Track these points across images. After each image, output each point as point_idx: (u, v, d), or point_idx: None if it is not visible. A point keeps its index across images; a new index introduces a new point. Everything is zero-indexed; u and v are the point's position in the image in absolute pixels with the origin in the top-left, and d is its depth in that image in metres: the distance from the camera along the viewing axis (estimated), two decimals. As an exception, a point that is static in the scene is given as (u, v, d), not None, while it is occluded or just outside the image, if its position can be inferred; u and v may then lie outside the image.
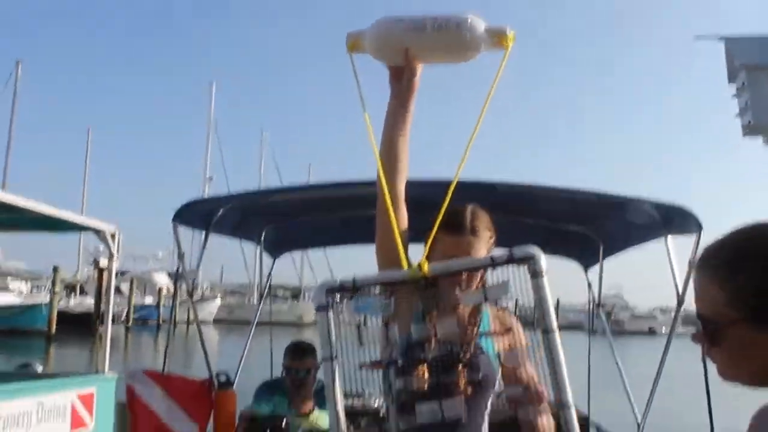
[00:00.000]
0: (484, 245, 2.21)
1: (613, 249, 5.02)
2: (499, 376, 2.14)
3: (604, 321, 5.54)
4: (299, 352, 4.18)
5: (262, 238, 5.21)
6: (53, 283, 34.49)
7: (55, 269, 34.80)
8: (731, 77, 7.06)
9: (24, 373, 8.31)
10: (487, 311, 2.24)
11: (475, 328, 2.15)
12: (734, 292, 1.17)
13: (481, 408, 2.11)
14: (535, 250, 1.71)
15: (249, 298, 59.33)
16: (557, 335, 1.68)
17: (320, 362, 1.81)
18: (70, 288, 46.63)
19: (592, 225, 4.80)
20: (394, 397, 2.02)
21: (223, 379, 4.40)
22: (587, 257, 5.37)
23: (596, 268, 5.36)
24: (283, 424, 3.82)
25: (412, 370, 1.89)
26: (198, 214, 4.53)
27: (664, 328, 56.26)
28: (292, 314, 51.28)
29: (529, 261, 1.71)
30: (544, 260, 1.70)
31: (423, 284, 1.79)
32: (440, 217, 1.98)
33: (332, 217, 4.92)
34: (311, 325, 48.49)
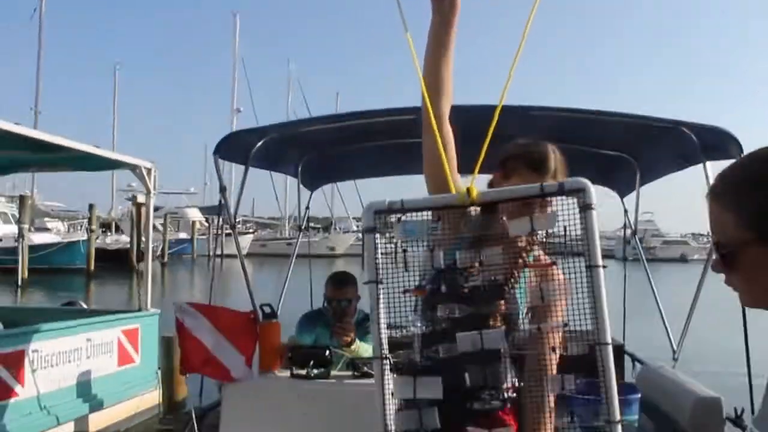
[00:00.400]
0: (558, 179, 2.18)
1: (650, 175, 4.93)
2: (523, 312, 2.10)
3: (639, 249, 5.48)
4: (340, 282, 4.25)
5: (300, 171, 5.21)
6: (90, 221, 35.00)
7: (91, 207, 35.27)
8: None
9: (71, 310, 8.54)
10: (532, 254, 2.17)
11: (521, 262, 2.10)
12: (744, 214, 1.17)
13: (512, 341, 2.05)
14: (586, 183, 1.66)
15: (280, 231, 59.88)
16: (602, 272, 1.64)
17: (366, 283, 1.77)
18: (105, 226, 47.38)
19: (629, 150, 4.72)
20: (434, 324, 1.97)
21: (267, 310, 4.46)
22: (624, 184, 5.29)
23: (632, 195, 5.33)
24: (327, 354, 3.88)
25: (453, 298, 1.87)
26: (237, 147, 4.49)
27: (696, 254, 55.49)
28: (324, 246, 51.59)
29: (579, 193, 1.66)
30: (594, 193, 1.65)
31: (474, 211, 1.78)
32: (485, 146, 1.87)
33: (369, 147, 4.86)
34: (343, 256, 49.00)
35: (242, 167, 4.60)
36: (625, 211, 5.51)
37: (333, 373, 3.91)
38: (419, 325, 1.94)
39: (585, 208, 1.66)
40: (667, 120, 3.97)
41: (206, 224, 55.48)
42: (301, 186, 5.55)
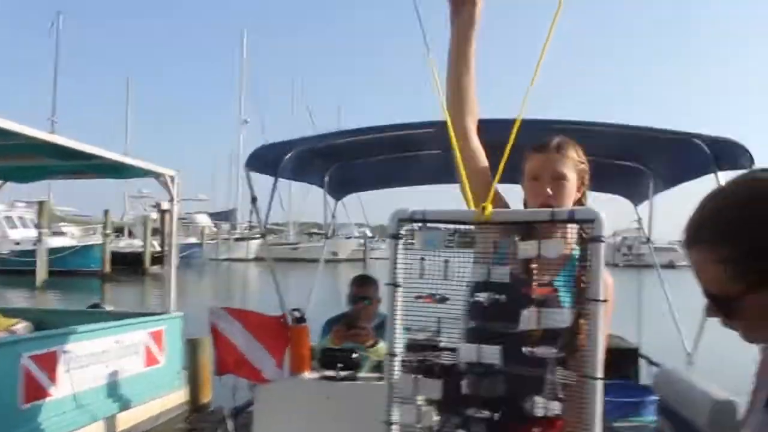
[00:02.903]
0: (571, 166, 2.14)
1: (663, 185, 4.96)
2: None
3: (654, 257, 5.52)
4: (363, 280, 4.41)
5: (326, 181, 5.27)
6: (105, 226, 35.12)
7: (106, 212, 35.51)
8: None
9: (98, 312, 8.57)
10: (576, 255, 2.05)
11: (550, 274, 1.96)
12: (734, 265, 1.09)
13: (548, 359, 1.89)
14: (598, 214, 1.60)
15: (285, 236, 59.93)
16: (600, 307, 1.59)
17: (386, 285, 1.78)
18: (117, 230, 47.36)
19: (643, 161, 4.75)
20: (465, 336, 1.93)
21: (297, 315, 4.49)
22: (638, 193, 5.31)
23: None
24: (355, 356, 3.93)
25: (482, 312, 1.84)
26: (267, 160, 4.58)
27: (683, 261, 56.37)
28: (327, 251, 51.40)
29: (589, 224, 1.61)
30: (606, 225, 1.59)
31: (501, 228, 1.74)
32: (505, 157, 1.85)
33: (393, 159, 4.91)
34: (346, 260, 49.01)
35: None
36: (639, 219, 5.55)
37: (360, 374, 3.94)
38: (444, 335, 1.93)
39: (594, 240, 1.60)
40: (680, 132, 4.00)
41: (215, 230, 55.63)
42: (328, 196, 5.62)
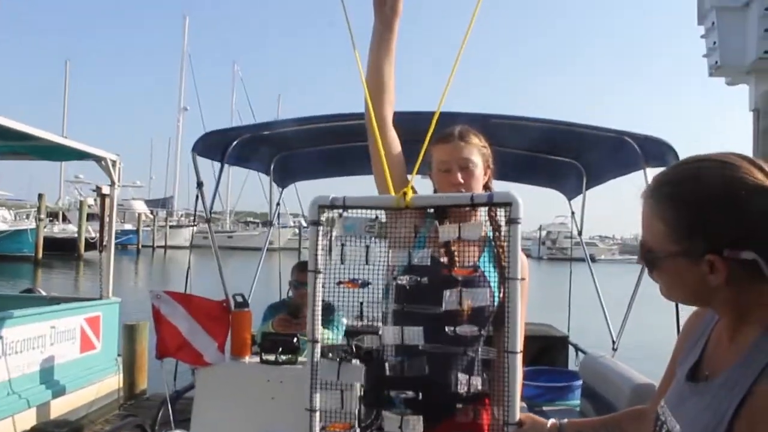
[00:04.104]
0: (476, 152, 2.21)
1: (596, 180, 5.10)
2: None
3: (585, 251, 5.66)
4: (305, 266, 4.35)
5: (272, 169, 5.25)
6: (39, 210, 34.02)
7: (41, 196, 34.29)
8: (701, 18, 7.06)
9: (33, 297, 8.33)
10: (490, 236, 2.14)
11: (468, 254, 2.04)
12: (673, 228, 1.22)
13: (471, 338, 1.94)
14: (514, 197, 1.65)
15: (222, 224, 59.19)
16: (518, 284, 1.65)
17: (308, 271, 1.81)
18: (52, 215, 45.95)
19: (577, 157, 4.87)
20: (388, 318, 1.98)
21: (239, 299, 4.47)
22: (571, 188, 5.45)
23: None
24: (295, 340, 3.94)
25: (405, 294, 1.87)
26: (214, 146, 4.52)
27: (603, 255, 60.29)
28: (262, 240, 51.14)
29: (507, 207, 1.66)
30: (522, 207, 1.65)
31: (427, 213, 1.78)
32: (426, 145, 1.92)
33: (335, 149, 4.91)
34: (281, 249, 48.48)
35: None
36: (572, 213, 5.69)
37: (300, 359, 3.96)
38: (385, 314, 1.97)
39: (511, 222, 1.65)
40: (613, 130, 4.11)
41: (151, 216, 54.49)
42: (273, 184, 5.63)
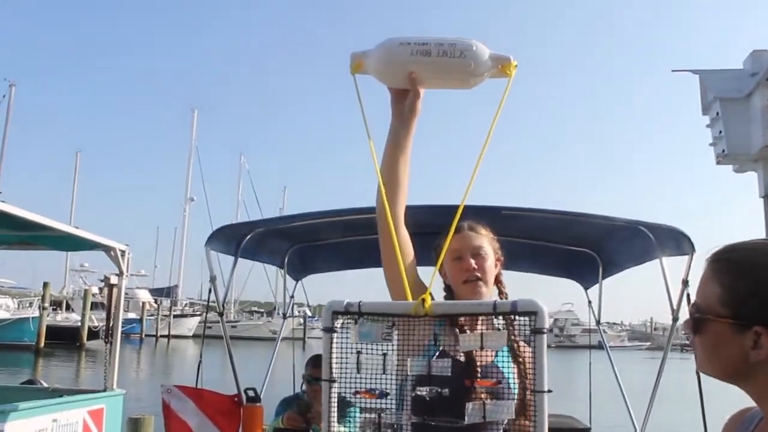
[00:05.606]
0: (487, 242, 2.25)
1: (612, 269, 5.01)
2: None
3: (603, 338, 5.54)
4: (319, 361, 4.22)
5: (286, 262, 5.20)
6: (43, 299, 33.81)
7: (45, 285, 34.25)
8: (705, 109, 7.15)
9: (34, 389, 8.05)
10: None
11: (486, 360, 2.02)
12: (728, 291, 1.22)
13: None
14: (539, 306, 1.55)
15: (227, 314, 58.77)
16: (545, 398, 1.54)
17: (323, 381, 1.69)
18: (56, 304, 45.68)
19: (592, 247, 4.82)
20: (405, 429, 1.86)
21: (251, 394, 4.34)
22: (587, 277, 5.34)
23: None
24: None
25: (425, 406, 1.76)
26: (227, 240, 4.54)
27: (611, 342, 58.27)
28: (267, 329, 51.02)
29: (532, 316, 1.56)
30: (547, 316, 1.56)
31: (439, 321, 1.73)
32: (448, 241, 1.89)
33: (350, 242, 4.86)
34: (285, 339, 48.16)
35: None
36: (589, 302, 5.57)
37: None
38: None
39: (536, 332, 1.55)
40: (627, 220, 4.07)
41: (155, 305, 54.15)
42: (288, 276, 5.55)
